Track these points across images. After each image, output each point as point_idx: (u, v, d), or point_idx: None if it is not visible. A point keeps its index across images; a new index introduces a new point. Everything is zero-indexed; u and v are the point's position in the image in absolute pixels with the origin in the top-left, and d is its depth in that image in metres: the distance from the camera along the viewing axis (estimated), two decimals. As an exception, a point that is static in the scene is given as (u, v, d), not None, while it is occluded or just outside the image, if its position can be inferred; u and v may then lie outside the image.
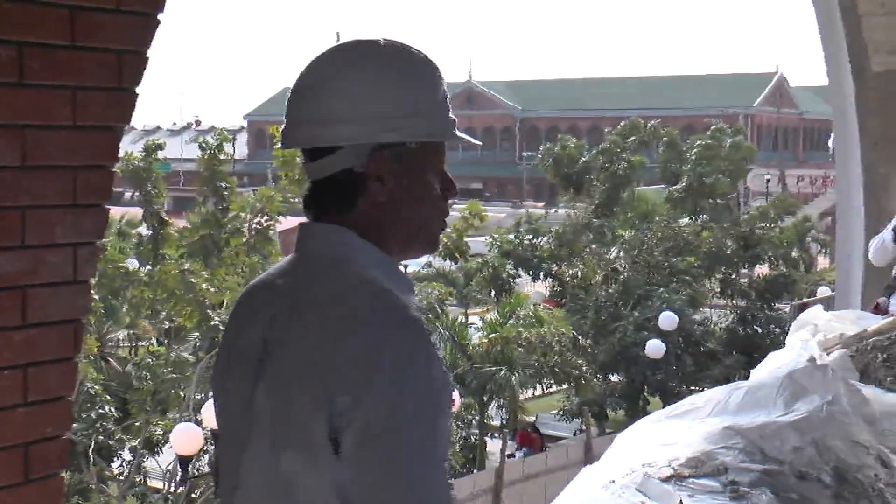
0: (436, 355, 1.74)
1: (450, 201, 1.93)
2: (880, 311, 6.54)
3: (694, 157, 32.95)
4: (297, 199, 20.57)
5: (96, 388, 18.05)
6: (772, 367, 4.10)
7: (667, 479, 2.98)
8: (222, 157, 22.39)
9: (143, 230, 27.11)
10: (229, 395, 1.92)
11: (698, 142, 34.10)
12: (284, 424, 1.76)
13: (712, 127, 35.32)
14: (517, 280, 30.30)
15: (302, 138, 1.88)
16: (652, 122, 35.00)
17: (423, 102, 1.85)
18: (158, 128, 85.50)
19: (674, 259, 28.04)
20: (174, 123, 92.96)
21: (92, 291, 3.62)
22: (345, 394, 1.68)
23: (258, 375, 1.82)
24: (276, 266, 1.96)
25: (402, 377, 1.68)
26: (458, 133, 1.91)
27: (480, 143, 2.03)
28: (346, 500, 1.70)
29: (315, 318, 1.76)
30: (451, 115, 1.90)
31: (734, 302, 29.66)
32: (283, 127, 1.92)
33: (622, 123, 35.65)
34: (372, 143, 1.82)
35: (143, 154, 23.40)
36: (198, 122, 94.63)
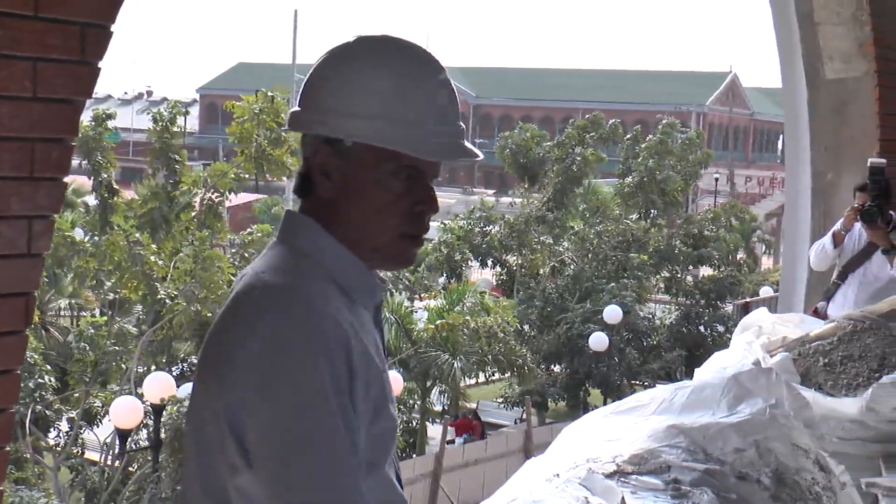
0: (337, 346, 1.69)
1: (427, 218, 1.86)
2: (819, 315, 6.66)
3: (644, 152, 33.12)
4: (248, 177, 20.50)
5: (36, 357, 17.86)
6: (716, 367, 4.16)
7: (610, 475, 3.01)
8: (175, 130, 22.15)
9: (90, 199, 26.81)
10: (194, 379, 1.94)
11: (649, 137, 34.28)
12: (202, 412, 1.76)
13: (663, 122, 35.49)
14: (469, 265, 30.39)
15: (287, 120, 1.92)
16: (613, 119, 35.01)
17: (391, 106, 1.79)
18: (109, 96, 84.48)
19: (623, 254, 28.23)
20: (125, 93, 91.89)
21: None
22: (234, 390, 1.68)
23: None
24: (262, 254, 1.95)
25: (299, 375, 1.65)
26: (438, 147, 1.81)
27: (481, 156, 1.93)
28: (251, 500, 1.69)
29: (232, 305, 1.77)
30: (434, 127, 1.81)
31: (678, 299, 29.93)
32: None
33: (586, 117, 35.65)
34: (319, 135, 1.81)
35: (93, 123, 23.11)
36: (149, 93, 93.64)
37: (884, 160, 6.98)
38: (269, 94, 18.94)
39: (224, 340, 1.72)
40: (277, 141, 18.36)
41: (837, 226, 7.10)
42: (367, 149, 1.78)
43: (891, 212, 6.84)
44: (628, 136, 35.07)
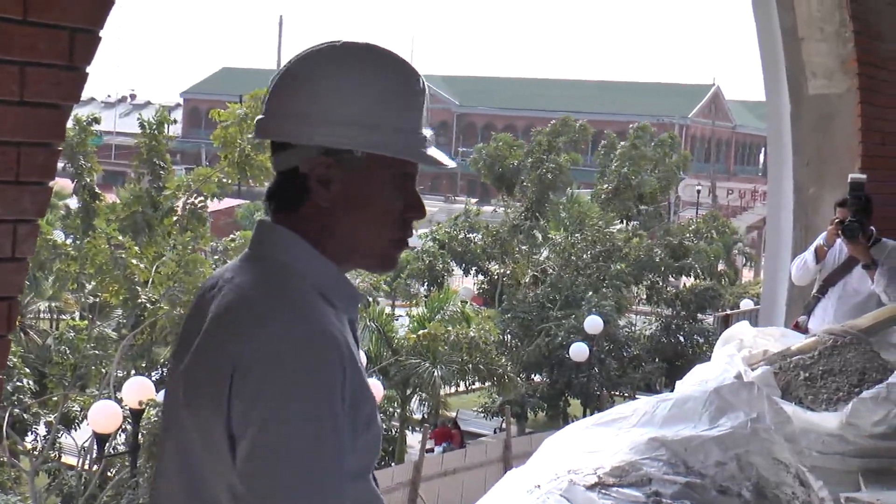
0: (329, 367, 1.69)
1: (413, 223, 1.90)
2: (800, 329, 6.70)
3: (618, 158, 33.17)
4: (230, 182, 20.44)
5: (14, 360, 17.77)
6: (698, 379, 4.18)
7: (591, 487, 3.02)
8: (162, 136, 22.12)
9: (71, 202, 26.73)
10: (167, 386, 1.93)
11: (621, 143, 34.32)
12: (190, 431, 1.75)
13: (633, 126, 35.55)
14: (451, 273, 30.39)
15: (258, 128, 1.86)
16: (580, 121, 35.01)
17: (384, 114, 1.80)
18: (92, 99, 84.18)
19: (603, 264, 28.26)
20: (108, 96, 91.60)
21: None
22: (238, 405, 1.66)
23: (181, 378, 1.81)
24: (232, 261, 1.93)
25: (292, 393, 1.65)
26: (429, 153, 1.86)
27: (454, 164, 1.99)
28: None
29: (221, 321, 1.74)
30: (423, 134, 1.85)
31: (659, 310, 29.97)
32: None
33: (552, 122, 35.65)
34: (319, 146, 1.79)
35: (77, 127, 23.03)
36: (133, 96, 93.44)
37: (864, 176, 7.02)
38: (259, 96, 18.89)
39: (221, 357, 1.70)
40: (261, 146, 18.33)
41: (820, 241, 7.14)
42: (371, 158, 1.80)
43: (871, 227, 6.88)
44: (603, 142, 35.14)
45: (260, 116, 1.85)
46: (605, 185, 32.75)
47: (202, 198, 19.99)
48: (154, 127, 21.57)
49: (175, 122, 24.39)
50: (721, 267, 33.13)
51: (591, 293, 26.51)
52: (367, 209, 1.82)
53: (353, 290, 1.87)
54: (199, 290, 1.94)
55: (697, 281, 30.09)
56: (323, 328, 1.71)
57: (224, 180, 19.80)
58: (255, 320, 1.70)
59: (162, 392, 14.78)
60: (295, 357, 1.66)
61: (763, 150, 72.50)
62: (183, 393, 1.78)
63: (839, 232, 6.80)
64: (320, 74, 1.80)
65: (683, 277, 31.35)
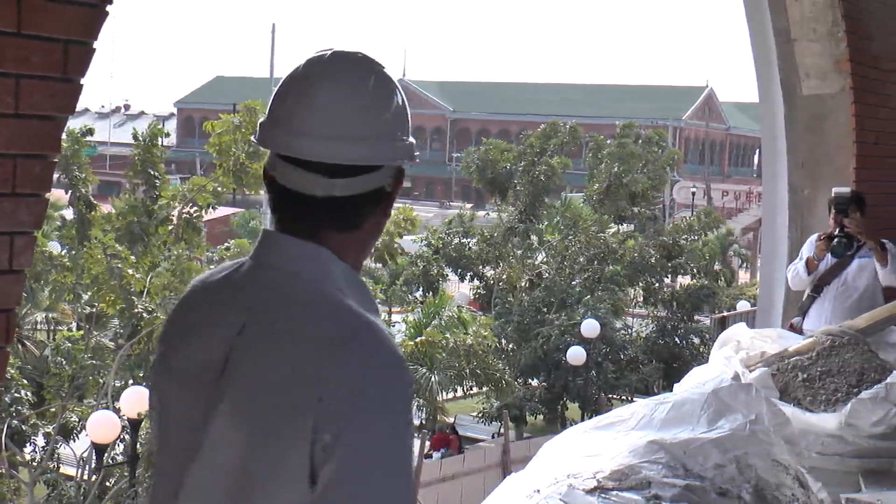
0: (412, 393, 1.75)
1: None
2: (795, 330, 6.71)
3: (607, 158, 33.15)
4: (224, 191, 20.40)
5: (12, 371, 17.74)
6: (695, 382, 4.18)
7: (591, 491, 3.02)
8: (156, 149, 22.15)
9: (66, 213, 26.73)
10: (174, 404, 1.87)
11: (608, 142, 34.30)
12: (252, 454, 1.72)
13: (619, 124, 35.54)
14: (447, 279, 30.36)
15: (354, 155, 1.81)
16: (569, 123, 34.98)
17: (408, 124, 1.89)
18: (86, 110, 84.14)
19: (598, 266, 28.25)
20: (102, 106, 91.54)
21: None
22: (327, 430, 1.65)
23: (218, 393, 1.76)
24: (226, 269, 1.90)
25: (381, 418, 1.67)
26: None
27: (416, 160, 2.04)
28: None
29: (293, 343, 1.72)
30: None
31: (656, 311, 29.95)
32: (299, 137, 1.81)
33: (541, 126, 35.66)
34: (397, 164, 1.85)
35: (70, 138, 23.03)
36: (127, 107, 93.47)
37: (848, 189, 7.05)
38: (252, 107, 18.89)
39: (299, 381, 1.69)
40: (256, 154, 18.33)
41: (809, 252, 7.17)
42: (399, 169, 1.87)
43: (855, 241, 6.90)
44: (590, 143, 35.10)
45: (337, 141, 1.80)
46: (596, 186, 32.71)
47: (197, 207, 19.97)
48: (148, 139, 21.61)
49: (168, 134, 24.43)
50: (717, 266, 33.06)
51: (587, 296, 26.50)
52: (386, 218, 1.90)
53: (375, 301, 1.89)
54: (193, 294, 1.92)
55: (694, 281, 30.06)
56: (398, 351, 1.75)
57: (219, 189, 19.79)
58: (337, 343, 1.70)
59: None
60: (382, 383, 1.68)
61: (757, 151, 72.59)
62: (232, 420, 1.75)
63: (827, 248, 6.86)
64: (382, 92, 1.85)
65: (680, 277, 31.31)
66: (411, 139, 1.87)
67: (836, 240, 6.80)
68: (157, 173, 21.37)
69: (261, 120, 1.90)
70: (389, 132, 1.83)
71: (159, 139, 22.26)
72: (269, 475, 1.70)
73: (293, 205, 1.83)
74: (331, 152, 1.80)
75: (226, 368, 1.77)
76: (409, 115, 1.89)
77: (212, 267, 20.98)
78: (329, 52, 1.87)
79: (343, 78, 1.84)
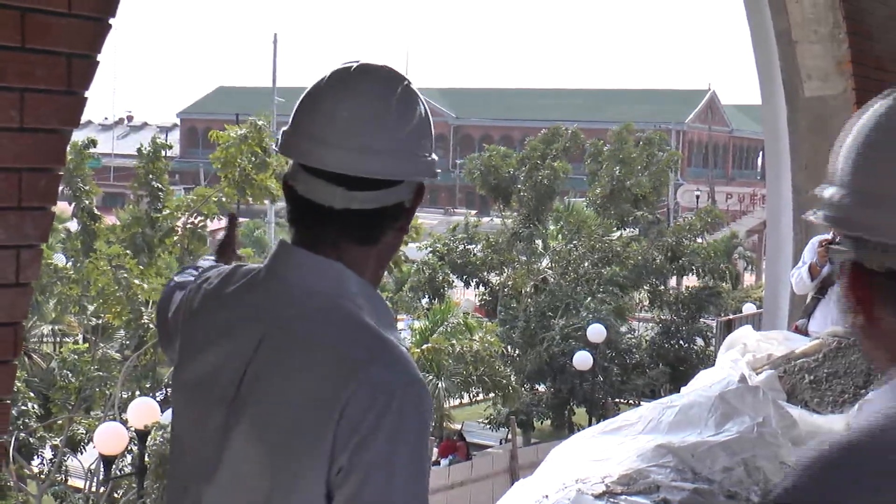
0: (431, 413, 1.73)
1: None
2: (800, 331, 6.71)
3: (606, 160, 33.15)
4: (228, 201, 20.42)
5: (19, 384, 17.77)
6: (702, 384, 4.18)
7: (600, 496, 3.02)
8: (159, 163, 22.25)
9: (71, 225, 26.78)
10: (189, 422, 1.87)
11: (606, 146, 34.30)
12: (268, 472, 1.71)
13: (613, 128, 35.54)
14: (452, 286, 30.36)
15: (376, 168, 1.80)
16: (570, 128, 34.99)
17: (433, 140, 1.91)
18: (90, 122, 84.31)
19: (603, 270, 28.24)
20: (106, 118, 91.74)
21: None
22: (344, 453, 1.65)
23: (236, 411, 1.76)
24: (240, 279, 1.88)
25: (399, 440, 1.65)
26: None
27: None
28: None
29: (312, 363, 1.71)
30: None
31: (661, 314, 29.89)
32: (323, 148, 1.81)
33: (543, 130, 35.66)
34: (418, 180, 1.86)
35: (74, 150, 23.08)
36: (130, 118, 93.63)
37: None
38: (257, 122, 18.92)
39: (319, 400, 1.69)
40: (261, 165, 18.35)
41: (811, 256, 7.18)
42: (419, 185, 1.88)
43: None
44: (590, 149, 35.08)
45: (360, 153, 1.80)
46: (599, 190, 32.71)
47: (202, 217, 20.01)
48: (151, 153, 21.72)
49: (171, 147, 24.52)
50: (722, 266, 32.97)
51: (588, 299, 26.51)
52: (406, 232, 1.92)
53: (392, 313, 1.90)
54: (207, 301, 1.91)
55: (699, 281, 30.02)
56: (418, 371, 1.74)
57: (223, 200, 19.81)
58: (357, 363, 1.70)
59: (168, 412, 14.76)
60: (400, 407, 1.67)
61: (761, 153, 72.55)
62: (251, 439, 1.74)
63: (828, 255, 6.88)
64: (406, 107, 1.85)
65: (685, 279, 31.25)
66: (433, 156, 1.87)
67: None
68: (161, 185, 21.43)
69: (284, 128, 1.89)
70: (412, 147, 1.83)
71: (163, 152, 22.37)
72: (287, 496, 1.70)
73: (312, 216, 1.82)
74: (353, 164, 1.79)
75: (242, 384, 1.76)
76: (433, 132, 1.89)
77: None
78: (355, 64, 1.86)
79: (368, 90, 1.83)
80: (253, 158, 18.39)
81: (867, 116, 1.39)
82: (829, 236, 6.97)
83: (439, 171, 1.93)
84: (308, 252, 1.81)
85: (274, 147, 2.01)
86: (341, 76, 1.85)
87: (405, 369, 1.71)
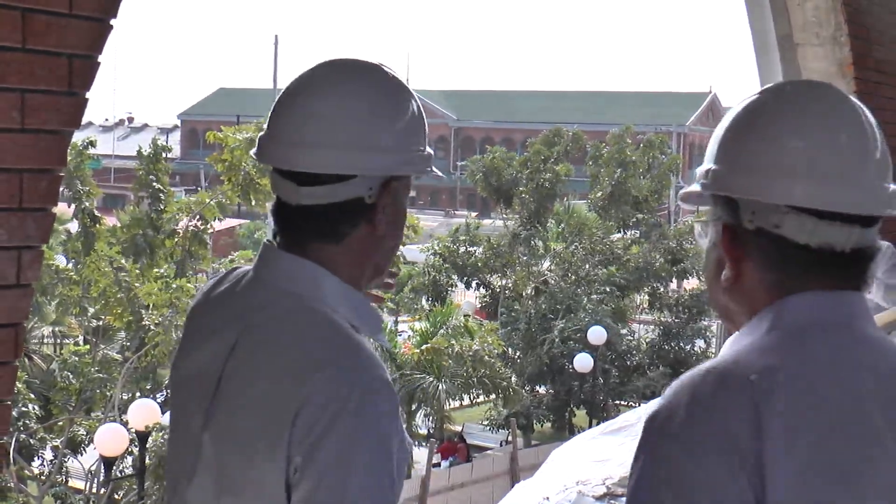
0: (395, 419, 1.68)
1: None
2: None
3: (605, 163, 33.14)
4: (228, 203, 20.43)
5: (19, 385, 17.76)
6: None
7: (601, 498, 3.02)
8: (160, 165, 22.27)
9: (71, 226, 26.77)
10: (179, 421, 1.88)
11: (605, 148, 34.31)
12: (235, 473, 1.72)
13: (610, 132, 35.55)
14: (454, 287, 30.36)
15: (314, 162, 1.77)
16: (571, 129, 34.99)
17: (423, 135, 1.85)
18: (90, 123, 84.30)
19: (603, 272, 28.25)
20: (106, 119, 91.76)
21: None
22: (299, 452, 1.63)
23: (211, 412, 1.76)
24: (230, 280, 1.89)
25: (356, 441, 1.63)
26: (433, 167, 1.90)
27: (443, 175, 2.06)
28: None
29: (275, 365, 1.70)
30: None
31: (662, 315, 29.89)
32: (274, 145, 1.82)
33: (545, 131, 35.66)
34: (384, 175, 1.79)
35: (74, 151, 23.06)
36: (130, 119, 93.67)
37: None
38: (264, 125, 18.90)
39: (278, 401, 1.67)
40: (266, 170, 18.33)
41: None
42: (405, 180, 1.85)
43: None
44: (590, 152, 35.08)
45: (302, 148, 1.78)
46: (600, 193, 32.72)
47: (204, 220, 19.99)
48: (151, 154, 21.74)
49: (171, 149, 24.55)
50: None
51: (584, 300, 26.53)
52: (399, 227, 1.87)
53: (378, 315, 1.87)
54: (199, 307, 1.92)
55: (700, 284, 30.00)
56: (382, 374, 1.70)
57: (225, 202, 19.80)
58: (315, 364, 1.67)
59: (168, 414, 14.76)
60: (357, 408, 1.64)
61: (761, 155, 72.38)
62: (215, 439, 1.75)
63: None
64: (373, 102, 1.80)
65: (685, 282, 31.24)
66: (421, 149, 1.82)
67: None
68: (161, 186, 21.44)
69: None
70: (368, 140, 1.77)
71: (163, 155, 22.39)
72: (255, 498, 1.70)
73: (280, 214, 1.83)
74: (291, 159, 1.78)
75: (219, 386, 1.76)
76: (407, 121, 1.82)
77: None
78: (323, 62, 1.86)
79: (322, 83, 1.81)
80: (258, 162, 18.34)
81: (736, 108, 1.69)
82: None
83: (430, 169, 1.85)
84: (287, 253, 1.81)
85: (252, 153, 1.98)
86: (305, 73, 1.85)
87: (366, 371, 1.68)
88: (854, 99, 1.68)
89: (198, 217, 19.94)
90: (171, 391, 1.96)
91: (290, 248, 1.81)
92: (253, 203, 19.06)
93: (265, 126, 1.87)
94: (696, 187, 1.69)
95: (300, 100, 1.81)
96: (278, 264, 1.81)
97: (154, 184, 21.33)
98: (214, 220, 20.10)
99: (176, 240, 20.11)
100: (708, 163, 1.69)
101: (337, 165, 1.76)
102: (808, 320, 1.56)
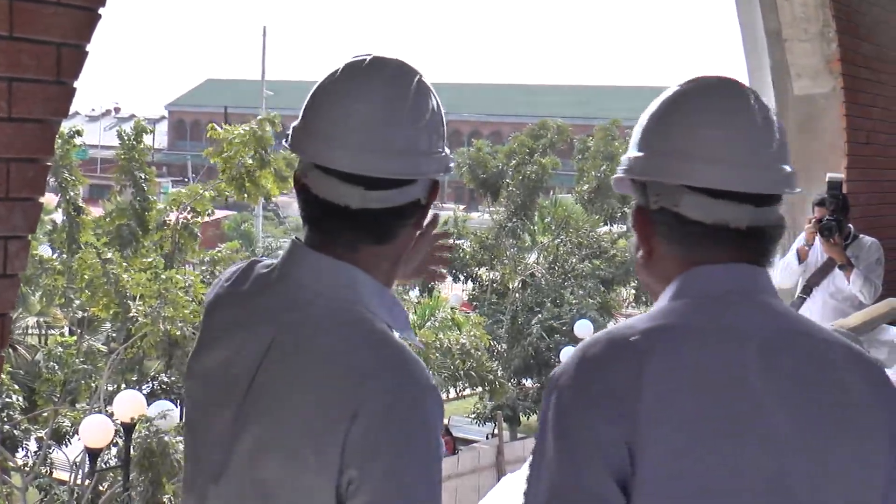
0: (440, 419, 1.71)
1: None
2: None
3: (591, 157, 33.16)
4: (217, 196, 20.31)
5: (3, 376, 17.69)
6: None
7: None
8: (141, 147, 22.06)
9: (57, 216, 26.65)
10: (200, 419, 1.86)
11: (590, 141, 34.34)
12: (273, 480, 1.70)
13: (597, 126, 35.56)
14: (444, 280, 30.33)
15: (387, 168, 1.77)
16: (556, 122, 34.99)
17: (445, 135, 1.88)
18: (77, 113, 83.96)
19: (589, 265, 28.28)
20: (93, 109, 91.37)
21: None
22: (354, 464, 1.63)
23: (245, 412, 1.74)
24: (255, 275, 1.86)
25: (409, 449, 1.64)
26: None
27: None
28: None
29: (323, 371, 1.68)
30: None
31: (647, 310, 29.89)
32: (334, 148, 1.78)
33: (530, 125, 35.66)
34: (433, 177, 1.84)
35: (59, 140, 22.95)
36: (117, 110, 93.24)
37: (841, 175, 7.09)
38: (268, 119, 18.73)
39: (328, 407, 1.66)
40: (263, 162, 18.16)
41: (801, 241, 7.20)
42: (434, 181, 1.88)
43: (849, 225, 6.96)
44: (577, 141, 35.07)
45: (376, 154, 1.76)
46: (586, 186, 32.73)
47: (195, 212, 19.87)
48: (132, 138, 21.52)
49: (152, 131, 24.31)
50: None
51: (568, 293, 26.55)
52: (433, 224, 1.98)
53: (406, 312, 1.87)
54: (220, 300, 1.90)
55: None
56: (430, 380, 1.71)
57: (218, 196, 19.67)
58: (367, 373, 1.67)
59: (154, 405, 14.71)
60: (410, 417, 1.65)
61: (748, 151, 72.53)
62: (258, 445, 1.72)
63: (817, 231, 6.90)
64: (420, 104, 1.82)
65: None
66: (447, 151, 1.85)
67: (824, 220, 6.84)
68: (143, 174, 21.29)
69: (294, 124, 1.86)
70: (426, 145, 1.80)
71: (145, 136, 22.14)
72: (296, 503, 1.68)
73: (327, 216, 1.79)
74: (369, 165, 1.76)
75: (251, 387, 1.74)
76: (445, 125, 1.87)
77: (203, 268, 20.73)
78: (368, 58, 1.83)
79: (382, 87, 1.80)
80: (255, 155, 18.16)
81: (659, 98, 1.88)
82: (816, 216, 7.00)
83: (452, 165, 1.87)
84: (322, 254, 1.78)
85: (285, 143, 1.94)
86: (354, 71, 1.82)
87: (413, 376, 1.68)
88: (756, 95, 1.81)
89: (188, 209, 19.82)
90: (188, 384, 1.93)
91: (330, 249, 1.79)
92: (246, 197, 18.92)
93: (312, 124, 1.82)
94: (619, 174, 1.85)
95: (361, 101, 1.78)
96: (312, 264, 1.79)
97: (136, 172, 21.14)
98: (207, 212, 19.96)
99: (167, 231, 20.01)
100: (630, 150, 1.84)
101: (412, 170, 1.79)
102: (703, 290, 1.75)
